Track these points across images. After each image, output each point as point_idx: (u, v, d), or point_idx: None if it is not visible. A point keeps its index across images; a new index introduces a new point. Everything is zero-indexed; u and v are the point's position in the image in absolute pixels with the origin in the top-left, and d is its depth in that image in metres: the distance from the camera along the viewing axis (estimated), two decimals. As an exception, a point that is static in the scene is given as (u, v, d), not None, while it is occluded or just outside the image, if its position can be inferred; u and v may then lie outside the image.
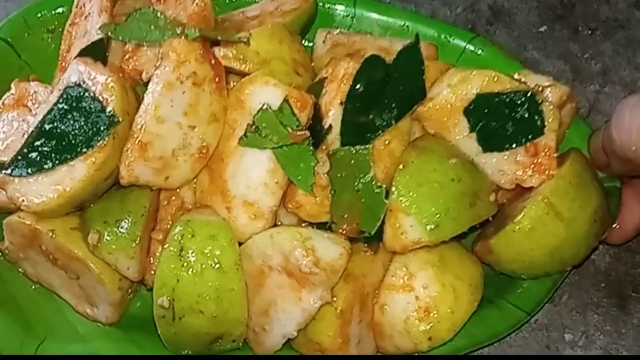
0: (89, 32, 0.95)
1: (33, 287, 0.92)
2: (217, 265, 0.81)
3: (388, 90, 0.87)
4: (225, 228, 0.83)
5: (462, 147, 0.89)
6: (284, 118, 0.84)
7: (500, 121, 0.88)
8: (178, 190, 0.89)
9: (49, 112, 0.84)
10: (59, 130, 0.83)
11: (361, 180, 0.84)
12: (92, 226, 0.85)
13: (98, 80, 0.84)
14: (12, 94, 0.94)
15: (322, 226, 0.86)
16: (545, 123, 0.87)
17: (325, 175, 0.85)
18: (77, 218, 0.87)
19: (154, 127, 0.83)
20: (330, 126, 0.85)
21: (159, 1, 0.94)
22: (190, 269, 0.81)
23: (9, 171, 0.84)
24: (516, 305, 0.91)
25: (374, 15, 1.05)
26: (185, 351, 0.86)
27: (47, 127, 0.84)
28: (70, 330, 0.90)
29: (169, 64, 0.84)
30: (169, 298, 0.81)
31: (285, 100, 0.84)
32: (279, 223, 0.88)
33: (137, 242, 0.84)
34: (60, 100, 0.84)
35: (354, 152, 0.84)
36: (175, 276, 0.81)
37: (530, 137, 0.87)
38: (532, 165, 0.88)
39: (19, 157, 0.84)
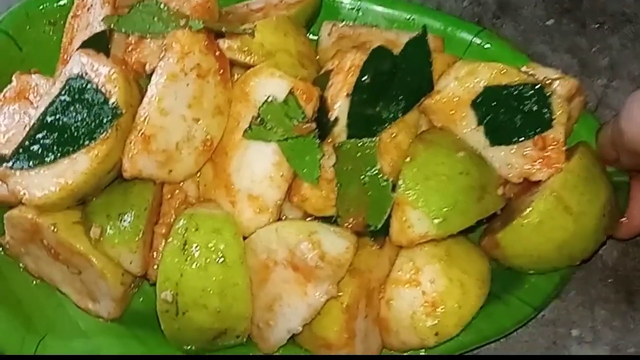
0: (91, 24, 0.94)
1: (34, 282, 0.91)
2: (222, 260, 0.80)
3: (395, 82, 0.86)
4: (230, 222, 0.82)
5: (469, 140, 0.88)
6: (290, 110, 0.83)
7: (508, 114, 0.87)
8: (181, 184, 0.88)
9: (51, 104, 0.83)
10: (61, 123, 0.82)
11: (367, 174, 0.83)
12: (94, 220, 0.84)
13: (101, 72, 0.83)
14: (13, 86, 0.93)
15: (327, 220, 0.84)
16: (554, 116, 0.86)
17: (331, 168, 0.84)
18: (79, 212, 0.86)
19: (157, 119, 0.82)
20: (337, 118, 0.84)
21: (162, -7, 0.93)
22: (194, 263, 0.80)
23: (10, 164, 0.83)
24: (523, 300, 0.90)
25: (380, 8, 1.04)
26: (189, 346, 0.85)
27: (49, 119, 0.83)
28: (72, 326, 0.89)
29: (173, 56, 0.83)
30: (172, 292, 0.80)
31: (291, 92, 0.83)
32: (284, 217, 0.87)
33: (140, 236, 0.83)
34: (63, 92, 0.83)
35: (360, 144, 0.83)
36: (179, 270, 0.80)
37: (538, 130, 0.86)
38: (541, 159, 0.86)
39: (21, 150, 0.83)
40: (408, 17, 1.04)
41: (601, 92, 1.09)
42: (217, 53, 0.86)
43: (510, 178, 0.88)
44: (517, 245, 0.86)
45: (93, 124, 0.81)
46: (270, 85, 0.84)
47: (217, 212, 0.83)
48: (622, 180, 0.94)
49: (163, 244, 0.85)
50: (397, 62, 0.86)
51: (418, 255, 0.85)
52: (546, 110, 0.86)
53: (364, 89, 0.85)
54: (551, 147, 0.86)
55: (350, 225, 0.83)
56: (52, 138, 0.82)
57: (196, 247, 0.80)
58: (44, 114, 0.83)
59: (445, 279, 0.84)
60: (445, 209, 0.82)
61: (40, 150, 0.82)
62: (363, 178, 0.83)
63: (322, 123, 0.85)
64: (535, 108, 0.86)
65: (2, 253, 0.91)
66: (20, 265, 0.91)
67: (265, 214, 0.83)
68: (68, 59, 0.90)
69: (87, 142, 0.81)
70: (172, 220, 0.87)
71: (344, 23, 1.02)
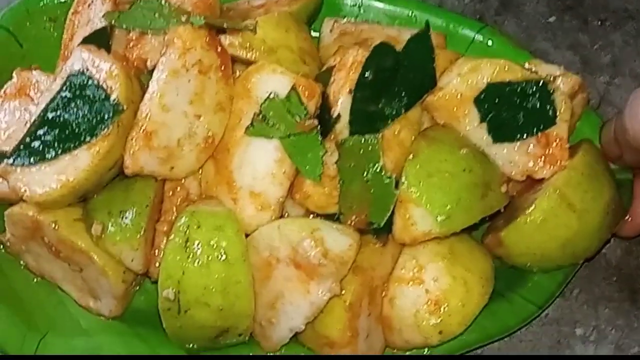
0: (92, 20, 0.93)
1: (35, 280, 0.91)
2: (224, 257, 0.80)
3: (398, 79, 0.85)
4: (232, 219, 0.82)
5: (472, 137, 0.88)
6: (292, 107, 0.82)
7: (511, 111, 0.86)
8: (183, 181, 0.88)
9: (52, 100, 0.83)
10: (62, 119, 0.82)
11: (370, 171, 0.83)
12: (95, 217, 0.83)
13: (102, 68, 0.82)
14: (13, 83, 0.92)
15: (330, 218, 0.84)
16: (557, 113, 0.86)
17: (334, 165, 0.83)
18: (80, 209, 0.85)
19: (159, 115, 0.81)
20: (339, 115, 0.84)
21: (163, -12, 0.92)
22: (196, 261, 0.80)
23: (10, 161, 0.82)
24: (527, 298, 0.89)
25: (381, 5, 1.03)
26: (191, 345, 0.84)
27: (50, 115, 0.82)
28: (73, 324, 0.88)
29: (175, 51, 0.82)
30: (174, 290, 0.80)
31: (293, 88, 0.83)
32: (286, 215, 0.86)
33: (141, 233, 0.82)
34: (64, 88, 0.83)
35: (363, 141, 0.83)
36: (181, 268, 0.80)
37: (541, 127, 0.86)
38: (544, 156, 0.86)
39: (21, 147, 0.82)
40: (410, 13, 1.03)
41: (603, 90, 1.08)
42: (219, 49, 0.85)
43: (513, 176, 0.87)
44: (521, 243, 0.86)
45: (94, 120, 0.80)
46: (272, 82, 0.84)
47: (219, 210, 0.83)
48: (625, 178, 0.93)
49: (165, 241, 0.85)
50: (400, 58, 0.85)
51: (421, 253, 0.85)
52: (549, 107, 0.86)
53: (366, 85, 0.84)
54: (554, 144, 0.86)
55: (352, 223, 0.83)
56: (53, 134, 0.81)
57: (198, 244, 0.80)
58: (45, 110, 0.83)
59: (449, 277, 0.84)
60: (448, 207, 0.82)
61: (41, 147, 0.81)
62: (366, 175, 0.83)
63: (325, 120, 0.84)
64: (538, 105, 0.86)
65: (3, 251, 0.91)
66: (21, 263, 0.90)
67: (267, 211, 0.83)
68: (69, 55, 0.89)
69: (88, 139, 0.80)
70: (173, 217, 0.86)
71: (345, 20, 1.01)
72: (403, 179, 0.83)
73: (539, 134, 0.86)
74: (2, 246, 0.90)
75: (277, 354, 0.86)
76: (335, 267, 0.79)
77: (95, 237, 0.82)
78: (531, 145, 0.86)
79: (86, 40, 0.88)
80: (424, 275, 0.84)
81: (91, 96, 0.81)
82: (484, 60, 0.88)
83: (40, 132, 0.82)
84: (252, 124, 0.83)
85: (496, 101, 0.86)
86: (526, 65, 0.89)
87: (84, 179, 0.80)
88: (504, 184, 0.86)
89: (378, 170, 0.83)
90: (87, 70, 0.82)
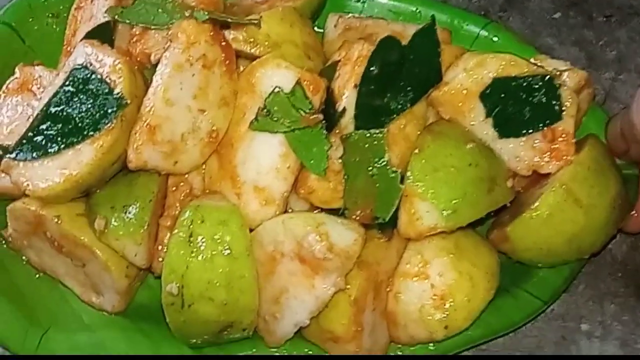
0: (95, 16, 0.93)
1: (37, 275, 0.90)
2: (228, 252, 0.79)
3: (403, 73, 0.85)
4: (236, 214, 0.81)
5: (477, 132, 0.87)
6: (297, 101, 0.82)
7: (517, 106, 0.86)
8: (186, 176, 0.87)
9: (55, 94, 0.83)
10: (65, 113, 0.81)
11: (376, 165, 0.82)
12: (98, 212, 0.83)
13: (105, 62, 0.82)
14: (16, 78, 0.92)
15: (334, 212, 0.83)
16: (563, 108, 0.85)
17: (339, 160, 0.83)
18: (83, 204, 0.85)
19: (162, 109, 0.81)
20: (344, 109, 0.83)
21: (167, -17, 0.92)
22: (200, 255, 0.79)
23: (13, 155, 0.82)
24: (532, 294, 0.89)
25: (385, 0, 1.03)
26: (194, 340, 0.84)
27: (53, 110, 0.82)
28: (75, 319, 0.88)
29: (179, 46, 0.82)
30: (178, 285, 0.79)
31: (298, 83, 0.82)
32: (290, 210, 0.86)
33: (145, 228, 0.82)
34: (67, 83, 0.82)
35: (368, 136, 0.82)
36: (185, 262, 0.79)
37: (547, 122, 0.85)
38: (550, 152, 0.85)
39: (24, 141, 0.82)
40: (414, 9, 1.03)
41: (609, 85, 1.08)
42: (223, 43, 0.85)
43: (519, 171, 0.87)
44: (527, 239, 0.85)
45: (97, 115, 0.80)
46: (276, 76, 0.83)
47: (223, 204, 0.82)
48: (631, 174, 0.93)
49: (168, 236, 0.84)
50: (405, 52, 0.85)
51: (426, 248, 0.84)
52: (555, 102, 0.86)
53: (371, 79, 0.84)
54: (560, 139, 0.85)
55: (357, 218, 0.82)
56: (56, 129, 0.81)
57: (202, 239, 0.79)
58: (48, 104, 0.82)
59: (454, 272, 0.83)
60: (454, 201, 0.81)
61: (44, 141, 0.81)
62: (371, 169, 0.82)
63: (329, 114, 0.84)
64: (544, 100, 0.86)
65: (5, 246, 0.90)
66: (23, 258, 0.90)
67: (272, 206, 0.82)
68: (71, 51, 0.89)
69: (91, 133, 0.80)
70: (177, 212, 0.86)
71: (350, 15, 1.01)
72: (408, 173, 0.83)
73: (545, 129, 0.85)
74: (4, 241, 0.90)
75: (282, 352, 0.85)
76: (340, 261, 0.78)
77: (98, 231, 0.82)
78: (537, 140, 0.86)
79: (89, 35, 0.88)
80: (429, 270, 0.83)
81: (94, 90, 0.81)
82: (489, 55, 0.87)
83: (43, 126, 0.82)
84: (256, 118, 0.83)
85: (502, 96, 0.86)
86: (531, 60, 0.89)
87: (87, 173, 0.79)
88: (509, 179, 0.86)
89: (383, 164, 0.82)
90: (91, 64, 0.82)
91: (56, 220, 0.82)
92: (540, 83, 0.86)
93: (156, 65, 0.84)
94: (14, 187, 0.82)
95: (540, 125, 0.85)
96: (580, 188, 0.84)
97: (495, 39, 1.00)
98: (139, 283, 0.89)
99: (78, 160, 0.80)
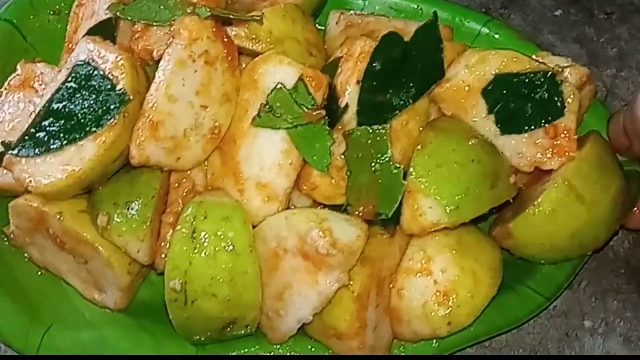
0: (96, 12, 0.93)
1: (39, 272, 0.90)
2: (231, 248, 0.79)
3: (406, 69, 0.85)
4: (239, 209, 0.81)
5: (479, 129, 0.87)
6: (299, 97, 0.82)
7: (519, 102, 0.86)
8: (189, 172, 0.87)
9: (57, 91, 0.82)
10: (67, 109, 0.81)
11: (378, 161, 0.82)
12: (101, 208, 0.82)
13: (108, 58, 0.82)
14: (18, 74, 0.92)
15: (337, 209, 0.83)
16: (565, 104, 0.86)
17: (341, 156, 0.83)
18: (85, 200, 0.85)
19: (165, 105, 0.81)
20: (347, 105, 0.83)
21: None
22: (203, 251, 0.79)
23: (15, 151, 0.82)
24: (535, 290, 0.89)
25: (387, -3, 1.04)
26: (197, 337, 0.84)
27: (55, 106, 0.82)
28: (78, 316, 0.88)
29: (181, 42, 0.82)
30: (180, 281, 0.79)
31: (300, 79, 0.82)
32: (292, 206, 0.86)
33: (147, 224, 0.82)
34: (69, 79, 0.82)
35: (370, 132, 0.82)
36: (188, 258, 0.79)
37: (549, 118, 0.86)
38: (552, 148, 0.85)
39: (26, 137, 0.82)
40: (415, 7, 1.03)
41: (610, 82, 1.08)
42: (225, 40, 0.85)
43: (521, 167, 0.87)
44: (529, 234, 0.85)
45: (100, 111, 0.80)
46: (279, 72, 0.83)
47: (226, 200, 0.82)
48: (633, 170, 0.93)
49: (170, 233, 0.84)
50: (408, 48, 0.85)
51: (429, 244, 0.84)
52: (557, 98, 0.86)
53: (374, 75, 0.84)
54: (562, 135, 0.86)
55: (360, 214, 0.82)
56: (58, 125, 0.81)
57: (205, 235, 0.79)
58: (50, 100, 0.82)
59: (457, 269, 0.83)
60: (457, 197, 0.81)
61: (46, 138, 0.81)
62: (374, 165, 0.82)
63: (332, 110, 0.84)
64: (546, 96, 0.86)
65: (7, 243, 0.90)
66: (25, 255, 0.90)
67: (274, 202, 0.82)
68: (73, 48, 0.89)
69: (94, 129, 0.80)
70: (179, 209, 0.86)
71: (351, 12, 1.01)
72: (411, 169, 0.83)
73: (547, 125, 0.85)
74: (6, 238, 0.90)
75: (285, 349, 0.85)
76: (343, 257, 0.78)
77: (100, 228, 0.82)
78: (539, 136, 0.86)
79: (91, 32, 0.88)
80: (432, 266, 0.83)
81: (97, 86, 0.81)
82: (491, 51, 0.87)
83: (46, 122, 0.81)
84: (258, 114, 0.83)
85: (504, 92, 0.86)
86: (533, 56, 0.89)
87: (90, 169, 0.79)
88: (512, 175, 0.86)
89: (386, 160, 0.82)
90: (93, 60, 0.82)
91: (58, 216, 0.82)
92: (542, 79, 0.86)
93: (158, 61, 0.83)
94: (16, 184, 0.82)
95: (542, 121, 0.86)
96: (582, 184, 0.84)
97: (496, 36, 1.00)
98: (141, 280, 0.89)
99: (80, 157, 0.79)
